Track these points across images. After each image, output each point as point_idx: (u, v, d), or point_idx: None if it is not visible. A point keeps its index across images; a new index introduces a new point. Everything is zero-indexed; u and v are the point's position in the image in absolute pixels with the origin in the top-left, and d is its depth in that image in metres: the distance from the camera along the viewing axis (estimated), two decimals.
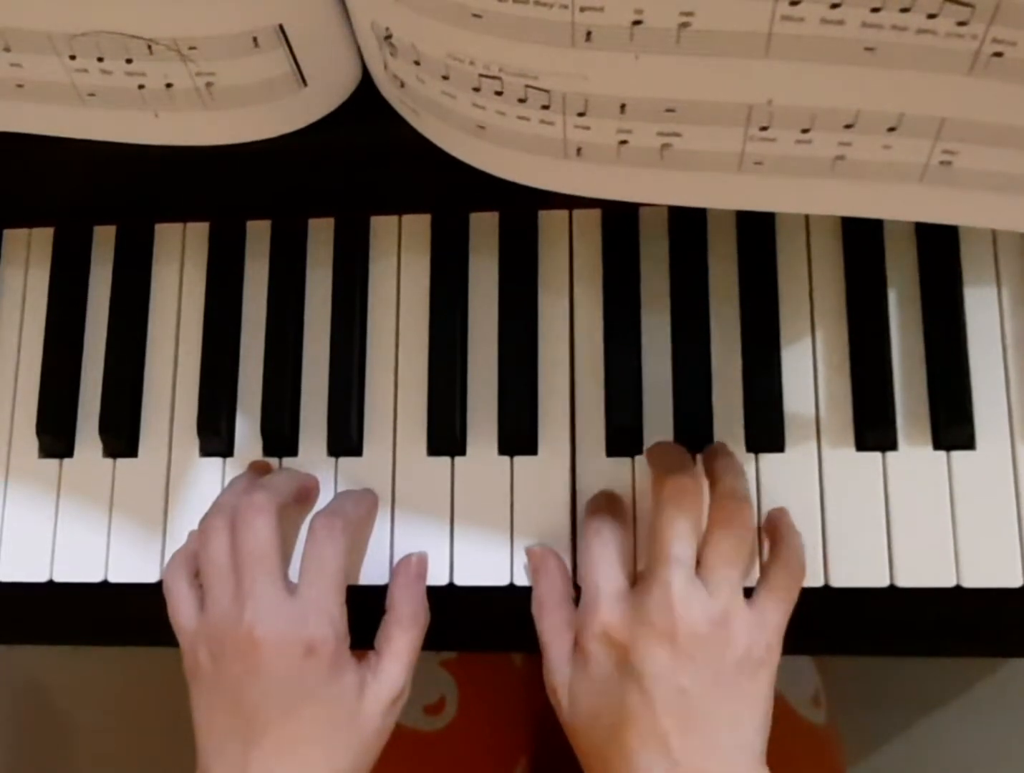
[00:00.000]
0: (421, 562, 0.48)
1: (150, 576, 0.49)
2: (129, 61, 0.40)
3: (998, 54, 0.31)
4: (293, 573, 0.45)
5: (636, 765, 0.40)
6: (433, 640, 0.47)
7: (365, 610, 0.46)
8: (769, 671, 0.42)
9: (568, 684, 0.43)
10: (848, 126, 0.35)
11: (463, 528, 0.48)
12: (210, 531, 0.44)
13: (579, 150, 0.38)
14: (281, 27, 0.39)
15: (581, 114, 0.36)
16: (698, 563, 0.42)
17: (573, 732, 0.43)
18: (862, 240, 0.49)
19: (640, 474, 0.48)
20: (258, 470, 0.50)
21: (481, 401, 0.50)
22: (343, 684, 0.43)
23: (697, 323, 0.49)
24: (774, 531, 0.46)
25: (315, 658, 0.42)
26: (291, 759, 0.42)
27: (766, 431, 0.47)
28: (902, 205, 0.38)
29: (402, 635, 0.45)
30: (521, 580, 0.48)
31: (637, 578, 0.43)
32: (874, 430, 0.47)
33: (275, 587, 0.43)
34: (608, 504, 0.47)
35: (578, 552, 0.46)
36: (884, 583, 0.46)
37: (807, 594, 0.45)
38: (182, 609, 0.44)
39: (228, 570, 0.43)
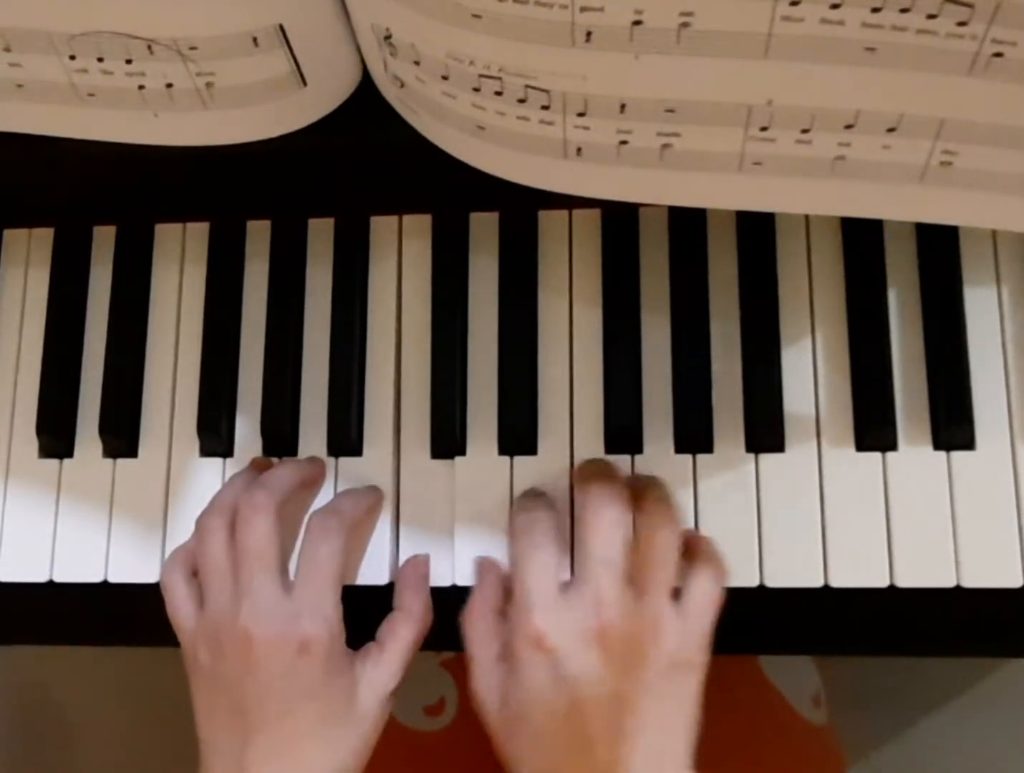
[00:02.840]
0: (427, 563, 0.49)
1: (150, 576, 0.49)
2: (129, 61, 0.40)
3: (998, 54, 0.31)
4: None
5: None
6: (433, 640, 0.47)
7: (365, 610, 0.46)
8: (698, 674, 0.42)
9: (497, 690, 0.42)
10: (848, 126, 0.35)
11: (463, 528, 0.48)
12: (208, 529, 0.45)
13: (579, 150, 0.38)
14: (281, 27, 0.39)
15: (581, 114, 0.36)
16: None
17: (502, 738, 0.42)
18: (862, 240, 0.49)
19: (640, 472, 0.48)
20: (259, 467, 0.50)
21: (481, 401, 0.50)
22: (339, 681, 0.43)
23: (697, 323, 0.49)
24: (687, 539, 0.44)
25: (309, 656, 0.42)
26: (289, 756, 0.42)
27: (766, 431, 0.47)
28: (902, 205, 0.38)
29: (409, 631, 0.46)
30: None
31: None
32: (874, 430, 0.47)
33: (272, 585, 0.43)
34: (537, 501, 0.46)
35: (509, 552, 0.45)
36: (884, 583, 0.46)
37: (808, 594, 0.45)
38: (181, 607, 0.45)
39: (226, 568, 0.44)
